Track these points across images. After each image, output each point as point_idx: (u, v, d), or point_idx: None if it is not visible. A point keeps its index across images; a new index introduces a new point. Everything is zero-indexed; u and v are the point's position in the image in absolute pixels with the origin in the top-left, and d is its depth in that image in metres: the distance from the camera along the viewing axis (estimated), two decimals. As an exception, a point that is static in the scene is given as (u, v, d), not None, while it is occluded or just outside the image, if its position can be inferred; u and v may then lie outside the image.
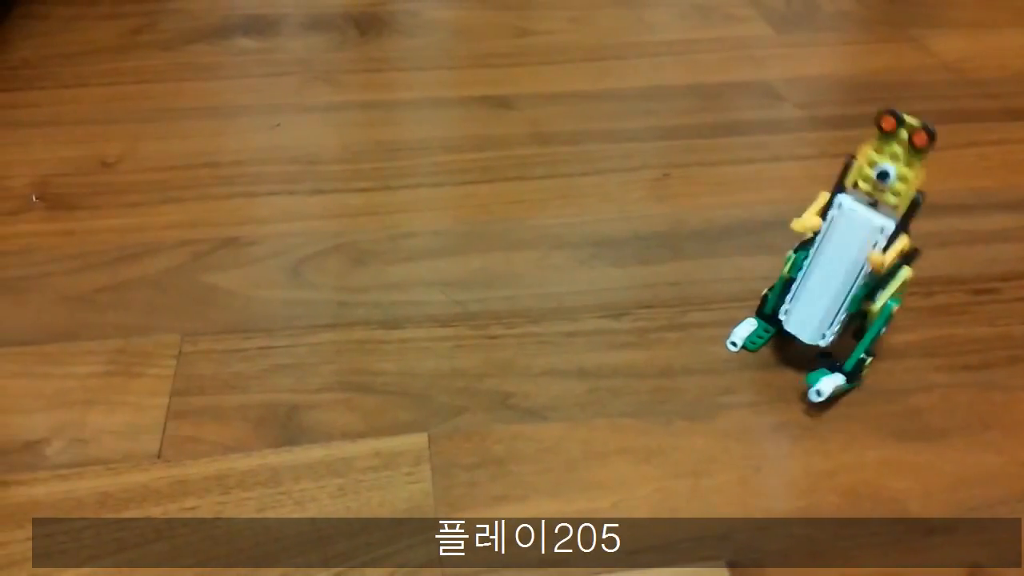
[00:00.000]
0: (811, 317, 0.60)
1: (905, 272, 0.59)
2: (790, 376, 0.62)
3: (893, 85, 0.97)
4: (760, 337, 0.64)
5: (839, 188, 0.59)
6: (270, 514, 0.53)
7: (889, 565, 0.50)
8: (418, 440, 0.57)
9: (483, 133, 0.88)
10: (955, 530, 0.52)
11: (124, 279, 0.69)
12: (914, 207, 0.56)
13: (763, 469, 0.55)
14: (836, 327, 0.60)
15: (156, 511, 0.53)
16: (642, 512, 0.53)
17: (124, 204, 0.77)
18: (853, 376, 0.60)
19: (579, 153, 0.85)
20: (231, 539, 0.51)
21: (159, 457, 0.56)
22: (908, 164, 0.56)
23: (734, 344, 0.63)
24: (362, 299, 0.68)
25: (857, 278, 0.58)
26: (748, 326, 0.64)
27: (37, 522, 0.52)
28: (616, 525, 0.52)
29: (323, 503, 0.53)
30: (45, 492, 0.54)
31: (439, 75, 0.98)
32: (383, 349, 0.64)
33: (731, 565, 0.50)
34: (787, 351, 0.63)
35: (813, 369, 0.60)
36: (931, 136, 0.55)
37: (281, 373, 0.62)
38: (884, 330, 0.59)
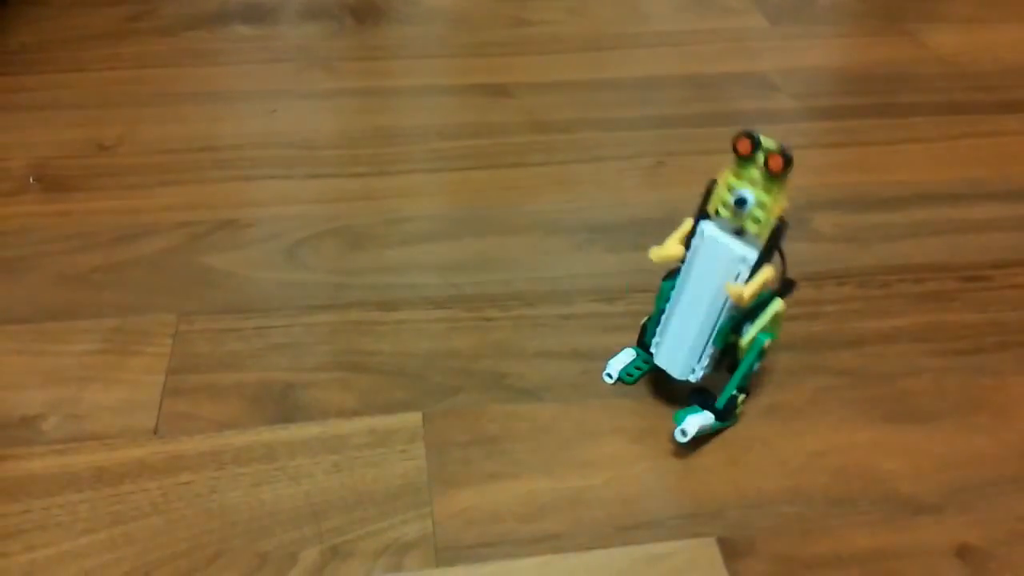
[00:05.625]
0: (678, 351, 0.57)
1: (776, 305, 0.55)
2: (782, 361, 0.62)
3: (887, 77, 0.97)
4: (638, 368, 0.60)
5: (702, 215, 0.55)
6: (265, 489, 0.53)
7: (878, 543, 0.51)
8: (413, 418, 0.57)
9: (480, 120, 0.88)
10: (944, 510, 0.53)
11: (121, 259, 0.70)
12: (776, 235, 0.52)
13: (754, 449, 0.56)
14: (705, 362, 0.56)
15: (152, 485, 0.53)
16: (634, 490, 0.53)
17: (121, 186, 0.78)
18: (725, 414, 0.56)
19: (575, 141, 0.85)
20: (226, 513, 0.52)
21: (155, 433, 0.56)
22: (766, 190, 0.52)
23: (609, 376, 0.60)
24: (358, 281, 0.68)
25: (721, 311, 0.54)
26: (626, 356, 0.60)
27: (33, 496, 0.52)
28: (608, 502, 0.53)
29: (318, 479, 0.54)
30: (41, 466, 0.54)
31: (436, 63, 0.98)
32: (379, 330, 0.64)
33: (722, 542, 0.51)
34: (780, 336, 0.64)
35: (685, 406, 0.56)
36: (787, 161, 0.50)
37: (277, 352, 0.62)
38: (758, 365, 0.56)
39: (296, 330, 0.64)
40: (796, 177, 0.81)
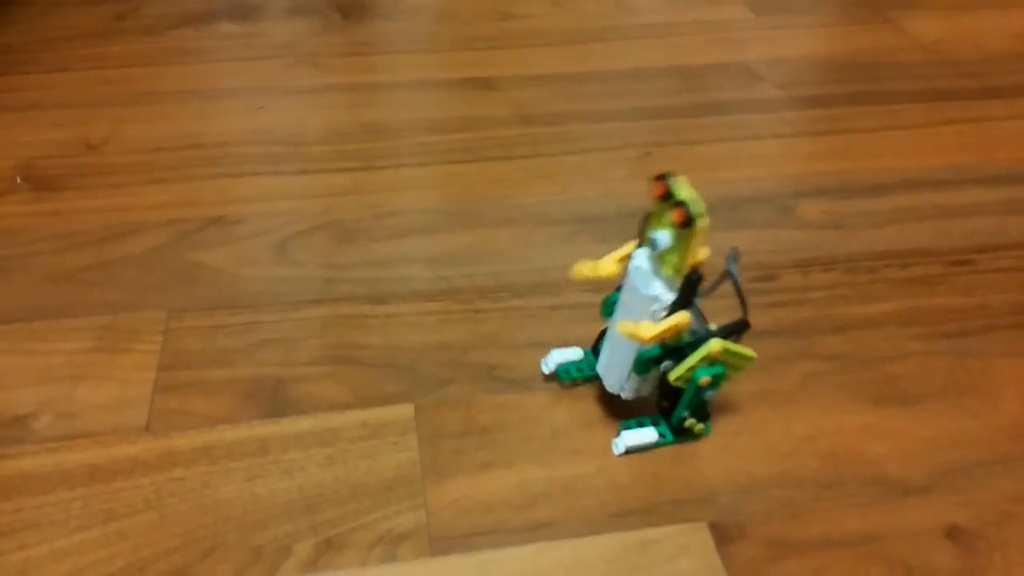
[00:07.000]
0: (611, 366, 0.56)
1: (711, 345, 0.52)
2: (770, 346, 0.63)
3: (871, 66, 0.98)
4: (579, 371, 0.59)
5: (642, 241, 0.53)
6: (258, 483, 0.53)
7: (868, 526, 0.51)
8: (405, 410, 0.58)
9: (467, 114, 0.88)
10: (933, 491, 0.53)
11: (110, 258, 0.70)
12: (689, 285, 0.50)
13: (744, 434, 0.56)
14: (632, 383, 0.55)
15: (144, 482, 0.53)
16: (625, 476, 0.54)
17: (109, 185, 0.77)
18: (678, 434, 0.55)
19: (562, 133, 0.86)
20: (219, 508, 0.52)
21: (147, 430, 0.56)
22: (678, 237, 0.50)
23: (546, 366, 0.59)
24: (348, 276, 0.69)
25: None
26: (573, 354, 0.59)
27: (26, 494, 0.52)
28: (600, 489, 0.53)
29: (311, 472, 0.54)
30: (33, 465, 0.54)
31: (423, 58, 0.98)
32: (369, 324, 0.64)
33: (713, 526, 0.51)
34: (768, 322, 0.64)
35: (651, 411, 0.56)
36: (688, 218, 0.48)
37: (268, 347, 0.62)
38: (711, 394, 0.54)
39: (287, 325, 0.64)
40: (783, 165, 0.82)
